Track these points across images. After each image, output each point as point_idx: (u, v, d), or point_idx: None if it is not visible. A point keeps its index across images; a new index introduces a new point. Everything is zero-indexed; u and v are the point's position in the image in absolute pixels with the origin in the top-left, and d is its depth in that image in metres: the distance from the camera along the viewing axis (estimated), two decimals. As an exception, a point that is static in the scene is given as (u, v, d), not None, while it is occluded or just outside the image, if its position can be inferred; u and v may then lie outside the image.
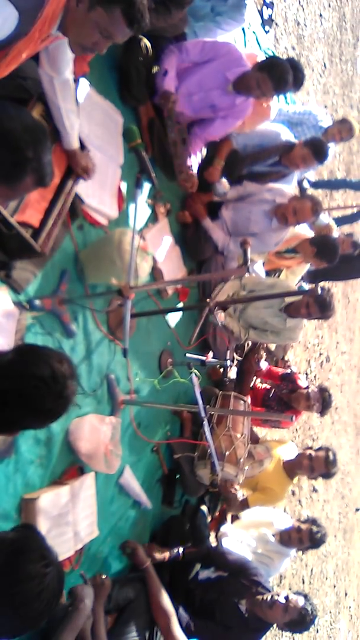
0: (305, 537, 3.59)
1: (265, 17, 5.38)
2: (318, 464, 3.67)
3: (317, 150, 3.77)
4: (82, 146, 2.51)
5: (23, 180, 1.63)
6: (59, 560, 1.67)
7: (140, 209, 3.28)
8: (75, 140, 2.42)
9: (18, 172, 1.61)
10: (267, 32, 5.38)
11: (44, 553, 1.59)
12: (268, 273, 4.46)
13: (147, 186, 3.34)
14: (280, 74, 3.12)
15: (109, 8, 1.84)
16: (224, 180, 3.71)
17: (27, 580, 1.50)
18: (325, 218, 4.98)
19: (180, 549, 3.18)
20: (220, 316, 3.51)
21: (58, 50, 2.08)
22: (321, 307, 3.62)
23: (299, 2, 6.78)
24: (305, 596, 3.01)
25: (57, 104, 2.25)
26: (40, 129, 1.68)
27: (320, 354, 7.54)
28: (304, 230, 4.23)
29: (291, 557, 3.84)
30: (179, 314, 3.65)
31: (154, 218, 3.43)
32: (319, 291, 3.13)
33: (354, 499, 10.28)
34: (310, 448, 3.83)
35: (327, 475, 3.79)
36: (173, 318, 3.59)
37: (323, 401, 3.96)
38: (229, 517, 4.00)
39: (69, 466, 2.63)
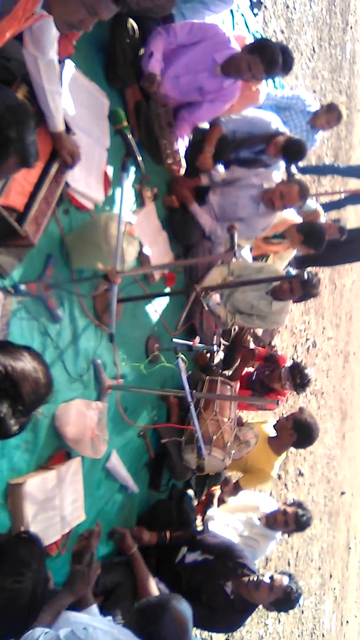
0: (291, 520, 3.63)
1: (254, -1, 5.32)
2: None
3: (288, 151, 3.79)
4: (68, 129, 2.47)
5: (6, 161, 1.60)
6: (39, 572, 1.62)
7: (127, 193, 3.25)
8: (61, 122, 2.38)
9: (1, 152, 1.58)
10: (255, 14, 5.33)
11: (19, 567, 1.55)
12: (255, 258, 4.45)
13: (134, 171, 3.31)
14: (272, 56, 3.09)
15: None
16: (219, 167, 3.69)
17: None
18: (312, 204, 4.98)
19: (167, 533, 3.20)
20: (215, 298, 3.51)
21: (42, 29, 2.04)
22: (303, 284, 3.64)
23: (288, -15, 6.72)
24: (290, 575, 3.06)
25: (41, 85, 2.21)
26: (23, 109, 1.65)
27: (307, 340, 7.58)
28: (292, 216, 4.23)
29: (277, 540, 3.89)
30: (166, 299, 3.64)
31: (140, 202, 3.40)
32: (306, 276, 3.13)
33: (339, 483, 10.41)
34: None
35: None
36: (160, 303, 3.58)
37: (293, 379, 3.99)
38: (215, 500, 4.02)
39: (56, 451, 2.63)
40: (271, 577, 2.99)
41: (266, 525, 3.70)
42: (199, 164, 3.62)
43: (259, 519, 3.75)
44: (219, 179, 3.69)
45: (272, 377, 4.09)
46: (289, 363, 4.33)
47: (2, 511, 2.30)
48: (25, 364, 1.48)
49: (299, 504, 3.74)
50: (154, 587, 2.84)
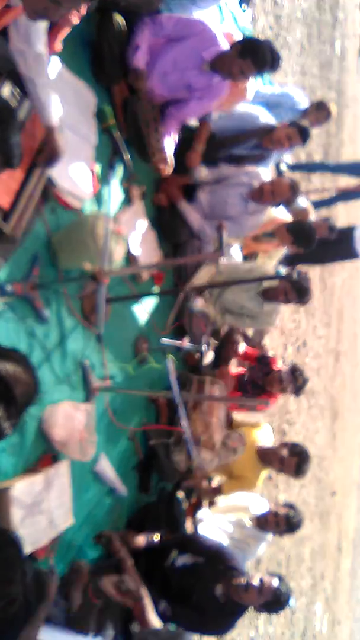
0: (282, 521, 3.61)
1: (243, -4, 5.28)
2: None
3: (302, 130, 3.81)
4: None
5: None
6: (24, 596, 1.57)
7: (115, 192, 3.22)
8: (53, 116, 2.31)
9: None
10: (244, 10, 5.29)
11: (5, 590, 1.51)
12: (245, 257, 4.42)
13: (121, 169, 3.28)
14: (263, 59, 3.08)
15: None
16: (203, 168, 3.67)
17: None
18: (303, 202, 4.96)
19: (157, 535, 3.17)
20: (199, 302, 3.48)
21: (28, 22, 1.99)
22: (299, 293, 3.62)
23: (277, -18, 6.69)
24: (279, 577, 3.04)
25: (31, 80, 2.15)
26: (6, 109, 1.61)
27: (297, 339, 7.56)
28: (282, 214, 4.20)
29: (268, 541, 3.87)
30: (155, 299, 3.61)
31: (128, 201, 3.37)
32: (296, 275, 3.11)
33: (330, 483, 10.43)
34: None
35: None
36: (148, 303, 3.55)
37: (295, 381, 3.95)
38: (205, 503, 3.99)
39: (43, 454, 2.60)
40: (261, 580, 2.97)
41: (257, 526, 3.68)
42: (188, 162, 3.58)
43: (250, 520, 3.72)
44: (199, 177, 3.65)
45: (271, 380, 4.03)
46: (279, 364, 4.31)
47: (-12, 516, 2.26)
48: (16, 366, 1.46)
49: (290, 506, 3.71)
50: (144, 589, 2.80)
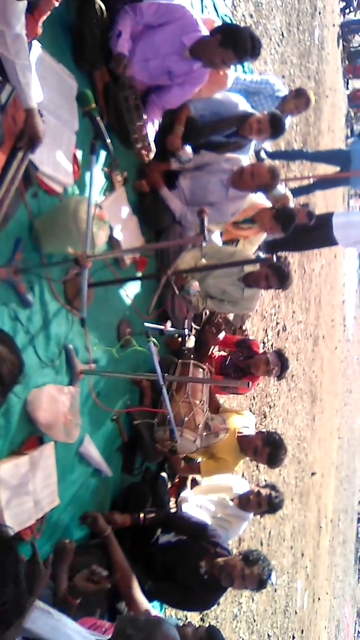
0: (263, 501, 3.68)
1: (223, -18, 5.28)
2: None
3: (273, 119, 3.79)
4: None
5: None
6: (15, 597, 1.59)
7: (96, 177, 3.23)
8: (32, 98, 2.30)
9: None
10: (224, -2, 5.30)
11: None
12: (225, 243, 4.47)
13: (103, 154, 3.29)
14: (244, 48, 3.10)
15: None
16: (187, 148, 3.69)
17: None
18: (281, 188, 5.01)
19: (141, 514, 3.24)
20: (195, 285, 3.51)
21: (6, 2, 1.98)
22: (280, 279, 3.69)
23: (257, -32, 6.69)
24: (263, 558, 3.11)
25: (10, 60, 2.14)
26: None
27: (277, 323, 7.66)
28: (261, 200, 4.26)
29: (249, 520, 3.95)
30: (137, 284, 3.64)
31: (110, 187, 3.38)
32: (275, 260, 3.17)
33: (309, 464, 10.62)
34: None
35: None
36: (131, 288, 3.58)
37: (282, 364, 4.04)
38: (188, 483, 4.07)
39: (28, 436, 2.62)
40: (242, 570, 3.03)
41: (239, 506, 3.76)
42: (169, 144, 3.60)
43: (232, 500, 3.80)
44: (187, 159, 3.68)
45: (257, 362, 4.09)
46: (259, 347, 4.38)
47: (-25, 497, 2.30)
48: (1, 346, 1.49)
49: (272, 486, 3.79)
50: (128, 567, 2.87)
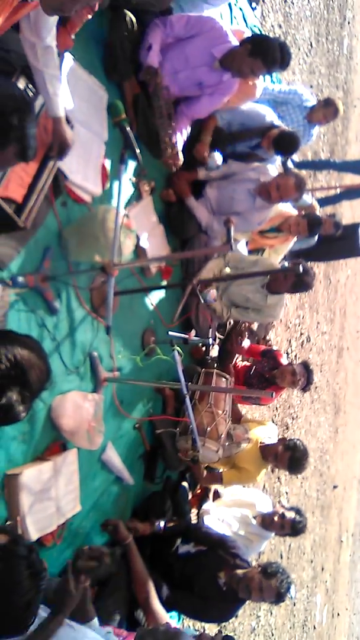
0: (287, 524, 3.66)
1: (252, -7, 5.31)
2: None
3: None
4: (67, 121, 2.47)
5: (5, 149, 1.60)
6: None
7: (124, 187, 3.26)
8: (60, 107, 2.35)
9: (1, 139, 1.59)
10: (254, 9, 5.31)
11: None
12: (251, 252, 4.47)
13: (131, 164, 3.32)
14: (273, 58, 3.11)
15: None
16: (216, 154, 3.70)
17: None
18: (308, 198, 4.99)
19: (162, 523, 3.23)
20: (212, 293, 3.51)
21: (39, 16, 2.02)
22: (298, 274, 3.65)
23: (286, -21, 6.71)
24: (282, 571, 3.08)
25: (39, 70, 2.19)
26: (25, 100, 1.66)
27: (301, 334, 7.61)
28: (288, 209, 4.25)
29: (270, 539, 3.92)
30: (162, 292, 3.66)
31: (137, 196, 3.41)
32: (301, 268, 3.15)
33: (331, 477, 10.49)
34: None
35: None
36: (156, 296, 3.60)
37: (308, 375, 4.01)
38: (210, 494, 4.05)
39: (52, 442, 2.65)
40: (260, 582, 3.00)
41: (261, 525, 3.72)
42: (196, 152, 3.62)
43: (254, 518, 3.77)
44: (216, 165, 3.68)
45: (282, 373, 4.05)
46: (284, 358, 4.36)
47: (-1, 501, 2.33)
48: (30, 352, 1.52)
49: (297, 510, 3.75)
50: (147, 576, 2.87)
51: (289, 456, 3.66)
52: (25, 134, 1.61)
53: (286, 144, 3.78)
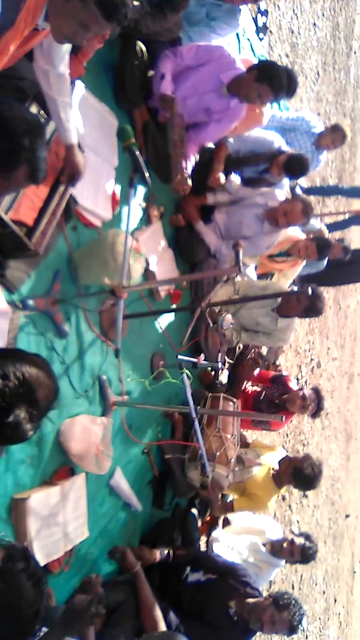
0: (297, 551, 3.60)
1: (260, 24, 5.42)
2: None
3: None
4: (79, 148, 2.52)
5: (16, 170, 1.62)
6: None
7: (134, 211, 3.29)
8: (73, 134, 2.40)
9: (12, 159, 1.61)
10: (261, 39, 5.43)
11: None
12: (260, 276, 4.48)
13: (141, 189, 3.36)
14: (280, 83, 3.15)
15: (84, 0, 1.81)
16: (234, 177, 3.73)
17: None
18: (317, 223, 5.02)
19: (170, 551, 3.18)
20: (228, 318, 3.51)
21: (52, 45, 2.08)
22: (311, 299, 3.65)
23: (293, 11, 6.85)
24: (295, 602, 3.00)
25: (52, 97, 2.24)
26: (38, 123, 1.69)
27: (312, 360, 7.57)
28: (296, 233, 4.26)
29: (280, 567, 3.85)
30: (172, 316, 3.66)
31: (147, 221, 3.44)
32: (310, 291, 3.15)
33: (343, 505, 10.30)
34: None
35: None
36: (165, 320, 3.60)
37: (318, 401, 3.98)
38: (220, 522, 3.99)
39: (60, 467, 2.63)
40: (272, 616, 2.93)
41: (271, 552, 3.66)
42: (211, 182, 3.67)
43: (264, 545, 3.70)
44: (234, 188, 3.71)
45: (292, 398, 4.03)
46: (293, 382, 4.32)
47: (6, 526, 2.30)
48: (39, 370, 1.51)
49: (306, 536, 3.69)
50: (156, 606, 2.80)
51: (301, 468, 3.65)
52: (36, 156, 1.63)
53: (296, 166, 3.81)
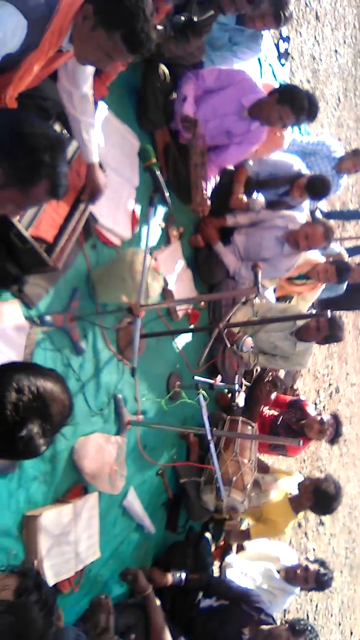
0: (311, 577, 3.53)
1: (282, 50, 5.48)
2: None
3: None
4: (100, 167, 2.55)
5: (37, 185, 1.64)
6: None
7: (153, 231, 3.31)
8: (94, 153, 2.43)
9: (33, 175, 1.62)
10: (283, 65, 5.49)
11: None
12: (279, 299, 4.46)
13: (161, 209, 3.38)
14: (301, 105, 3.17)
15: (109, 31, 1.84)
16: (257, 195, 3.75)
17: None
18: (337, 247, 5.00)
19: (183, 575, 3.12)
20: (249, 342, 3.49)
21: (76, 65, 2.12)
22: (331, 325, 3.63)
23: (315, 38, 6.92)
24: (311, 629, 2.93)
25: (76, 117, 2.29)
26: (59, 139, 1.70)
27: (330, 385, 7.47)
28: (316, 256, 4.25)
29: (296, 594, 3.76)
30: (189, 336, 3.65)
31: (166, 240, 3.46)
32: (329, 315, 3.13)
33: (361, 535, 10.05)
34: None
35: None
36: (182, 340, 3.59)
37: (337, 427, 3.92)
38: (234, 547, 3.92)
39: (73, 485, 2.61)
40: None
41: (285, 579, 3.59)
42: (233, 205, 3.70)
43: (278, 571, 3.63)
44: (259, 208, 3.73)
45: (310, 423, 3.98)
46: (311, 407, 4.26)
47: (17, 543, 2.28)
48: (54, 385, 1.50)
49: (322, 562, 3.62)
50: (167, 630, 2.74)
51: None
52: (57, 172, 1.65)
53: (319, 186, 3.83)
